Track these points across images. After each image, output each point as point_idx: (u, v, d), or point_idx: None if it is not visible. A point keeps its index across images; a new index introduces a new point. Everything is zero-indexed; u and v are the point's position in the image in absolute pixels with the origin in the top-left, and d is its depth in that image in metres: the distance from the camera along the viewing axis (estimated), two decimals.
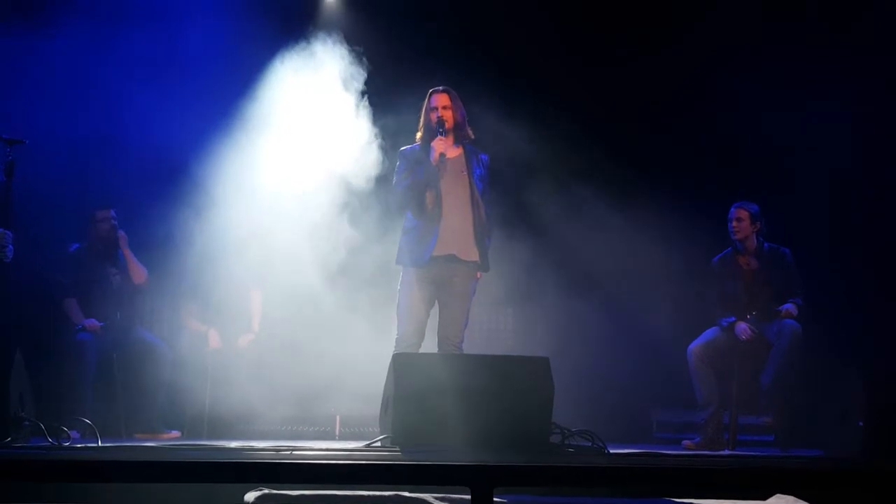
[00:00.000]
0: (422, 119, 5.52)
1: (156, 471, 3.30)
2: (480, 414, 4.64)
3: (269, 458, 4.22)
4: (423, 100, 5.50)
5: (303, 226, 5.97)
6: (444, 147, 5.36)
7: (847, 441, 5.56)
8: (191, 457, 4.24)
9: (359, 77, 5.98)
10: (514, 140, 6.37)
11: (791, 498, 3.66)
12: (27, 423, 4.97)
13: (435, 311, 5.49)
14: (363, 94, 5.97)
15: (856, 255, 6.49)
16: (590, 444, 4.93)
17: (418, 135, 5.54)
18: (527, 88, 7.04)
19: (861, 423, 5.52)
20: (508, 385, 4.80)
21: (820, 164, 6.53)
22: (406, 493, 3.53)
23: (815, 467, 4.44)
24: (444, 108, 5.42)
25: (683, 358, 6.07)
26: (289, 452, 4.47)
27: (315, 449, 4.73)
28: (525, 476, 3.43)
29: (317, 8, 7.13)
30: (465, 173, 5.44)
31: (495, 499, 3.27)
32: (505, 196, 6.49)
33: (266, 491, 3.47)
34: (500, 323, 7.35)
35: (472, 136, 5.53)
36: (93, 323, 6.17)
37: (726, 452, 5.74)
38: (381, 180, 5.86)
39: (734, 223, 6.11)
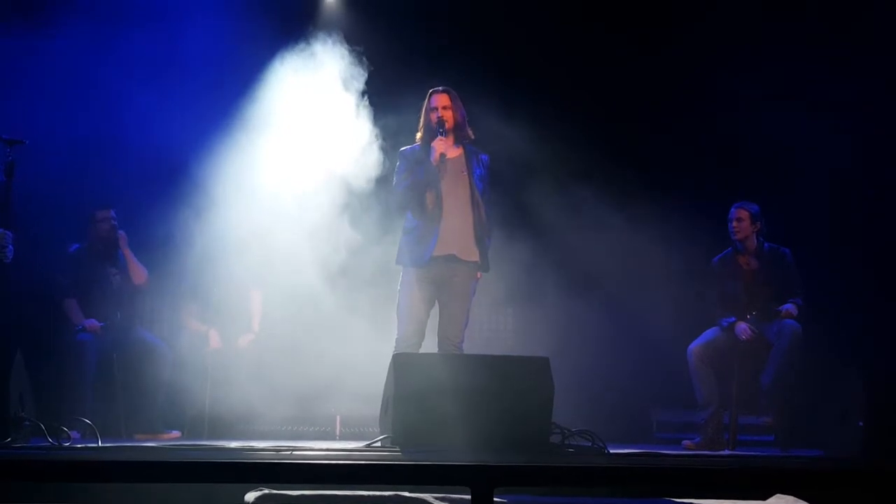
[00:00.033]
0: (422, 119, 5.52)
1: (156, 471, 3.29)
2: (480, 414, 4.64)
3: (269, 458, 4.22)
4: (423, 100, 5.50)
5: (303, 226, 5.97)
6: (444, 147, 5.36)
7: (847, 441, 5.56)
8: (191, 457, 4.24)
9: (359, 77, 5.98)
10: (514, 140, 6.36)
11: (791, 498, 3.66)
12: (27, 423, 4.97)
13: (435, 311, 5.49)
14: (363, 94, 5.97)
15: (856, 255, 6.49)
16: (590, 444, 4.93)
17: (418, 135, 5.54)
18: (527, 88, 7.04)
19: (861, 423, 5.52)
20: (508, 385, 4.80)
21: (820, 164, 6.53)
22: (406, 493, 3.53)
23: (815, 467, 4.44)
24: (445, 108, 5.42)
25: (683, 358, 6.07)
26: (289, 452, 4.47)
27: (315, 449, 4.73)
28: (525, 476, 3.43)
29: (317, 8, 7.13)
30: (466, 173, 5.44)
31: (495, 499, 3.27)
32: (505, 196, 6.48)
33: (266, 491, 3.47)
34: (500, 323, 7.36)
35: (472, 137, 5.53)
36: (93, 323, 6.17)
37: (726, 452, 5.75)
38: (382, 181, 5.86)
39: (734, 223, 6.12)
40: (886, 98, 6.42)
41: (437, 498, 3.54)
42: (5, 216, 4.99)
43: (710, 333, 6.09)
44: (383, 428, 5.01)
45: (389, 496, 3.50)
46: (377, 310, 6.14)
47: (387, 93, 6.11)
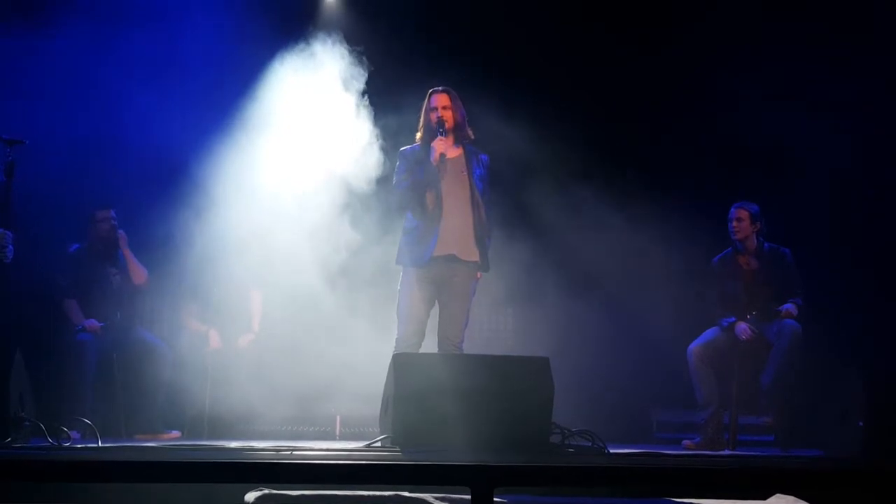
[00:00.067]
0: (421, 119, 5.52)
1: (156, 471, 3.30)
2: (480, 414, 4.64)
3: (269, 458, 4.22)
4: (423, 100, 5.50)
5: (303, 226, 5.97)
6: (444, 147, 5.36)
7: (847, 441, 5.56)
8: (191, 457, 4.24)
9: (359, 77, 5.98)
10: (514, 140, 6.36)
11: (791, 498, 3.66)
12: (27, 423, 4.97)
13: (435, 311, 5.49)
14: (363, 94, 5.97)
15: (856, 255, 6.49)
16: (590, 444, 4.93)
17: (418, 135, 5.54)
18: (527, 88, 7.04)
19: (861, 423, 5.52)
20: (508, 385, 4.80)
21: (820, 164, 6.53)
22: (406, 493, 3.53)
23: (815, 467, 4.44)
24: (444, 108, 5.42)
25: (683, 358, 6.07)
26: (289, 452, 4.47)
27: (315, 449, 4.73)
28: (525, 476, 3.43)
29: (317, 8, 7.13)
30: (465, 173, 5.44)
31: (495, 499, 3.27)
32: (505, 196, 6.49)
33: (266, 491, 3.47)
34: (500, 323, 7.35)
35: (472, 137, 5.53)
36: (93, 323, 6.16)
37: (726, 452, 5.74)
38: (382, 181, 5.86)
39: (734, 223, 6.11)
40: (886, 98, 6.42)
41: (437, 498, 3.54)
42: (5, 216, 4.99)
43: (710, 333, 6.09)
44: (383, 428, 5.01)
45: (389, 496, 3.50)
46: (377, 310, 6.14)
47: (387, 93, 6.11)
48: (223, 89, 6.44)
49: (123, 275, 6.37)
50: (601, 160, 6.98)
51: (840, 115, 6.42)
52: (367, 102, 5.96)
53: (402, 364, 4.81)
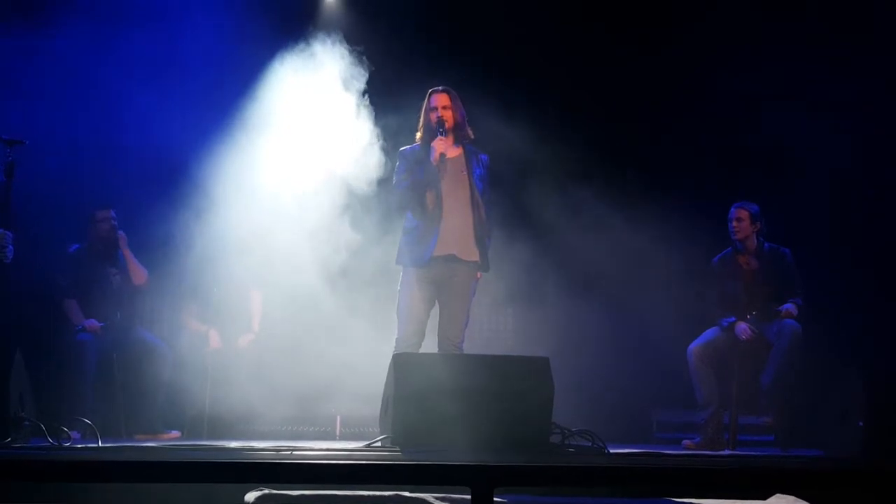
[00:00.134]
0: (421, 119, 5.52)
1: (156, 471, 3.30)
2: (481, 414, 4.64)
3: (269, 458, 4.22)
4: (424, 100, 5.50)
5: (303, 226, 5.97)
6: (444, 147, 5.35)
7: (847, 441, 5.56)
8: (191, 457, 4.24)
9: (359, 77, 5.97)
10: (514, 140, 6.36)
11: (791, 498, 3.66)
12: (27, 423, 4.97)
13: (435, 311, 5.49)
14: (363, 94, 5.97)
15: (856, 255, 6.49)
16: (590, 444, 4.93)
17: (418, 135, 5.54)
18: (527, 88, 7.04)
19: (861, 423, 5.52)
20: (508, 385, 4.80)
21: (820, 164, 6.53)
22: (406, 493, 3.53)
23: (815, 467, 4.44)
24: (444, 107, 5.42)
25: (683, 358, 6.07)
26: (289, 452, 4.47)
27: (315, 449, 4.73)
28: (525, 476, 3.43)
29: (317, 8, 7.13)
30: (465, 173, 5.44)
31: (495, 499, 3.27)
32: (505, 196, 6.49)
33: (266, 491, 3.47)
34: (500, 323, 7.35)
35: (472, 136, 5.53)
36: (93, 323, 6.16)
37: (726, 452, 5.74)
38: (382, 181, 5.85)
39: (734, 223, 6.11)
40: (886, 98, 6.43)
41: (437, 498, 3.54)
42: (5, 216, 4.99)
43: (710, 333, 6.09)
44: (383, 428, 5.01)
45: (389, 496, 3.50)
46: (377, 310, 6.14)
47: (387, 93, 6.11)
48: (223, 89, 6.44)
49: (123, 275, 6.37)
50: (601, 160, 6.98)
51: (840, 115, 6.42)
52: (367, 102, 5.96)
53: (402, 364, 4.81)
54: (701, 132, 7.01)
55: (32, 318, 5.94)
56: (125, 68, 6.37)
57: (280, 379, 6.18)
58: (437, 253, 5.34)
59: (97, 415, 5.78)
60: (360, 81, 5.97)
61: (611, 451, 4.90)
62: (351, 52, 6.04)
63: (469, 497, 3.19)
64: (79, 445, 5.04)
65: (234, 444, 5.16)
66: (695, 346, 6.04)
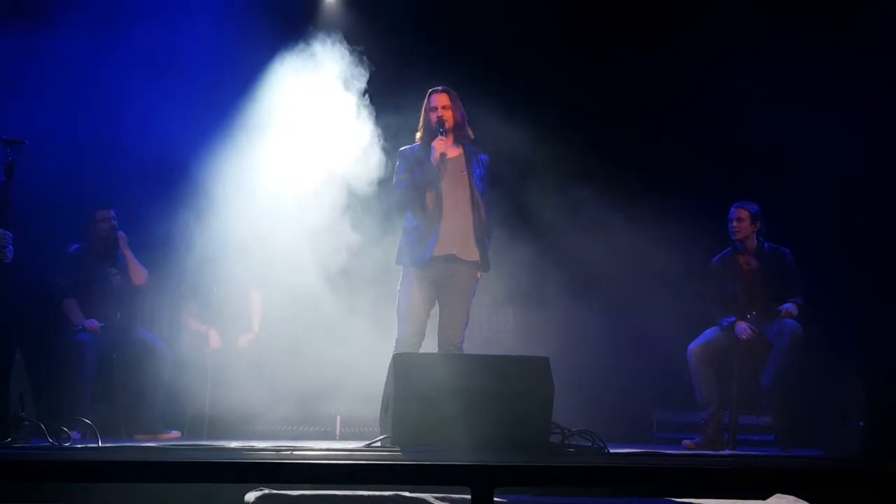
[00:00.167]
0: (421, 119, 5.52)
1: (156, 471, 3.29)
2: (481, 414, 4.64)
3: (269, 458, 4.22)
4: (424, 100, 5.50)
5: (303, 226, 5.97)
6: (444, 147, 5.35)
7: (847, 441, 5.55)
8: (191, 457, 4.24)
9: (359, 77, 5.98)
10: (514, 140, 6.36)
11: (791, 498, 3.66)
12: (27, 423, 4.96)
13: (435, 311, 5.49)
14: (364, 94, 5.97)
15: (856, 255, 6.49)
16: (590, 444, 4.93)
17: (418, 135, 5.54)
18: (527, 88, 7.04)
19: (861, 423, 5.52)
20: (508, 385, 4.79)
21: (820, 164, 6.53)
22: (406, 493, 3.53)
23: (815, 467, 4.44)
24: (444, 107, 5.42)
25: (683, 358, 6.07)
26: (289, 452, 4.47)
27: (315, 449, 4.73)
28: (525, 476, 3.43)
29: (317, 8, 7.13)
30: (465, 173, 5.44)
31: (495, 499, 3.27)
32: (505, 196, 6.49)
33: (266, 491, 3.47)
34: (500, 323, 7.35)
35: (472, 136, 5.53)
36: (93, 323, 6.16)
37: (726, 452, 5.74)
38: (382, 182, 5.85)
39: (734, 223, 6.11)
40: (886, 98, 6.43)
41: (437, 498, 3.54)
42: (5, 216, 5.00)
43: (710, 333, 6.09)
44: (383, 428, 5.01)
45: (389, 496, 3.50)
46: (377, 310, 6.14)
47: (387, 93, 6.11)
48: (223, 89, 6.45)
49: (123, 275, 6.37)
50: (601, 160, 6.98)
51: (840, 115, 6.42)
52: (368, 102, 5.96)
53: (402, 364, 4.81)
54: (701, 132, 7.02)
55: (32, 318, 5.94)
56: (125, 68, 6.37)
57: (280, 379, 6.17)
58: (437, 253, 5.34)
59: (97, 415, 5.78)
60: (361, 81, 5.97)
61: (611, 451, 4.90)
62: (351, 51, 6.04)
63: (469, 497, 3.18)
64: (79, 445, 5.04)
65: (234, 444, 5.16)
66: (695, 346, 6.04)
